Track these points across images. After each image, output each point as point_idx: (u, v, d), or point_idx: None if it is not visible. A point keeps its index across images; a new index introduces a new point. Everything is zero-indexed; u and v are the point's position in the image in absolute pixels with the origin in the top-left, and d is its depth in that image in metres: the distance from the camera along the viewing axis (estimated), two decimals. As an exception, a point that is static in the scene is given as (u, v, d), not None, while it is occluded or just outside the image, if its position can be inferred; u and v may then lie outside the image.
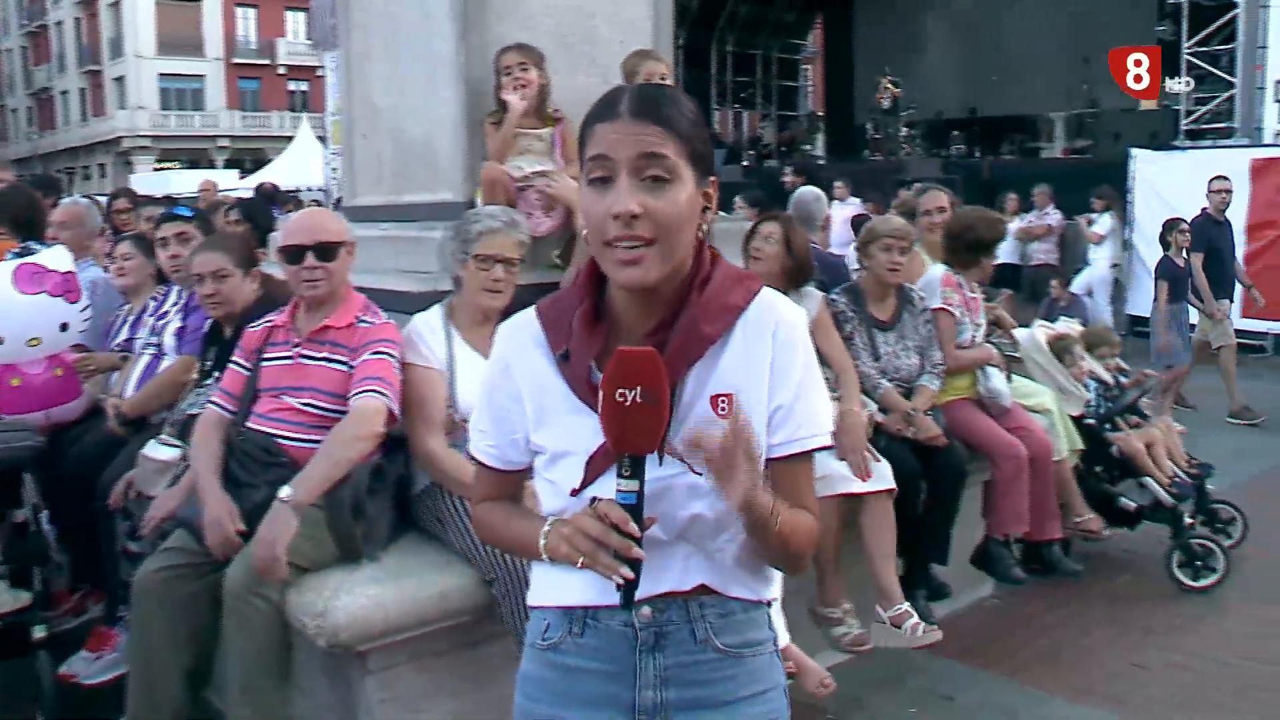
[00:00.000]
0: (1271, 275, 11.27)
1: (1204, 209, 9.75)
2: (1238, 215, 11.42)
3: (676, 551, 1.74)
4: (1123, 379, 6.06)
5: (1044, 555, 5.19)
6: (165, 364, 4.40)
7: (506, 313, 3.63)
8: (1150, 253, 12.63)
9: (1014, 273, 14.31)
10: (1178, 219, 9.51)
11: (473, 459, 1.94)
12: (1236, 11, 14.55)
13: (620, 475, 1.60)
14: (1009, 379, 5.16)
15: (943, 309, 4.90)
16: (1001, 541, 4.90)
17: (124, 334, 4.82)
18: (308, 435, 3.41)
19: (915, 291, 4.90)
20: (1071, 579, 5.26)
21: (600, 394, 1.58)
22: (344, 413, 3.39)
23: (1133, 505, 5.52)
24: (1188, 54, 15.19)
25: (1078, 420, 5.51)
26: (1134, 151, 13.44)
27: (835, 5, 26.76)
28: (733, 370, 1.72)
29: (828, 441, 1.79)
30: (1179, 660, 4.62)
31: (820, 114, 29.20)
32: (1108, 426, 5.66)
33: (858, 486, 4.13)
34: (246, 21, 50.58)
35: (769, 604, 1.85)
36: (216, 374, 3.81)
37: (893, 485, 4.18)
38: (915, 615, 4.19)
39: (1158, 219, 12.46)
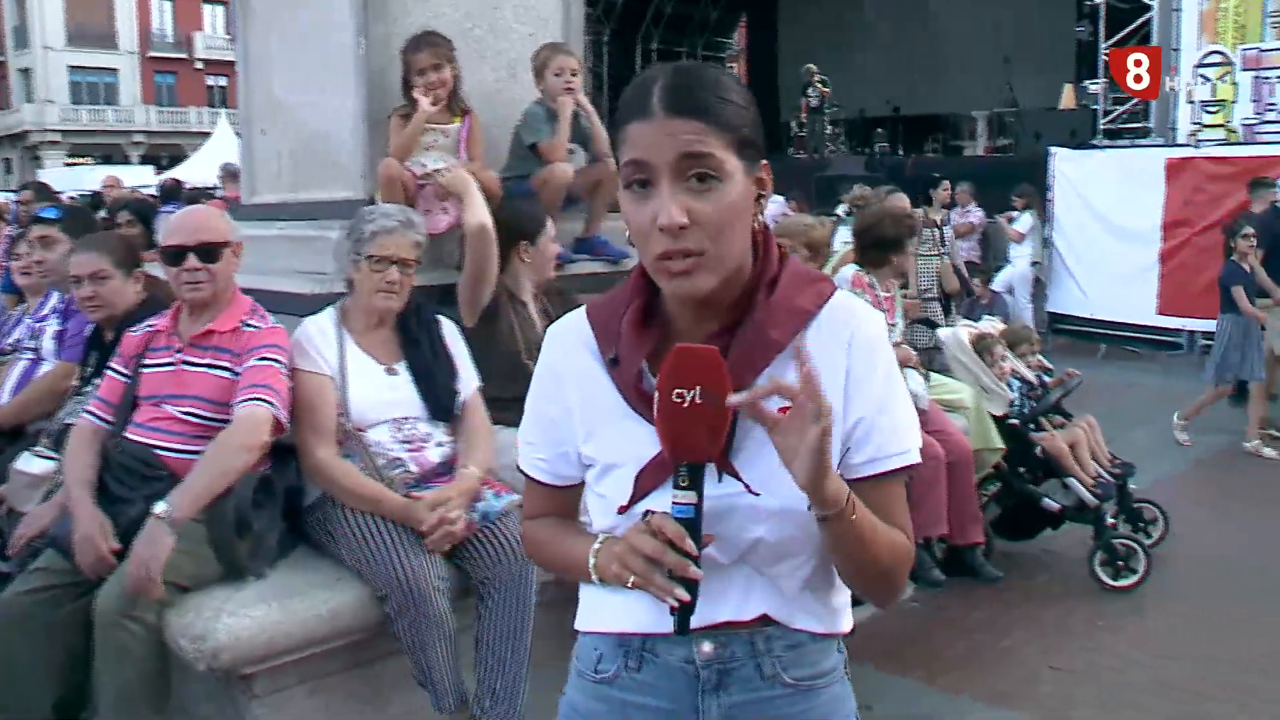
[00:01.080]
0: (1185, 274, 11.42)
1: (1273, 202, 9.44)
2: (1153, 215, 11.58)
3: (736, 577, 1.58)
4: (1046, 378, 6.04)
5: (965, 559, 5.14)
6: (43, 369, 4.16)
7: (403, 314, 3.51)
8: (1070, 251, 12.80)
9: (936, 270, 14.40)
10: (1239, 220, 8.79)
11: (521, 473, 1.78)
12: (1151, 14, 14.73)
13: (677, 486, 1.45)
14: (927, 377, 5.10)
15: None
16: (921, 544, 4.83)
17: (13, 336, 4.56)
18: (189, 446, 3.22)
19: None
20: (992, 583, 5.22)
21: (655, 396, 1.44)
22: (228, 422, 3.21)
23: (1056, 506, 5.49)
24: (1105, 54, 15.34)
25: (1001, 420, 5.47)
26: (1053, 150, 13.55)
27: (759, 4, 26.83)
28: None
29: (916, 459, 1.60)
30: (1098, 660, 4.59)
31: (745, 111, 29.19)
32: (1031, 426, 5.62)
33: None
34: (162, 14, 49.32)
35: (839, 636, 1.69)
36: (97, 381, 3.59)
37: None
38: None
39: (1077, 217, 12.65)
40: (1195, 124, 13.97)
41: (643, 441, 1.53)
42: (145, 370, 3.35)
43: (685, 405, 1.42)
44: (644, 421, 1.52)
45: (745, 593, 1.59)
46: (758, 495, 1.51)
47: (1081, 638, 4.83)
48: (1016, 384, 5.70)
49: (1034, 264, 13.14)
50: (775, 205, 14.77)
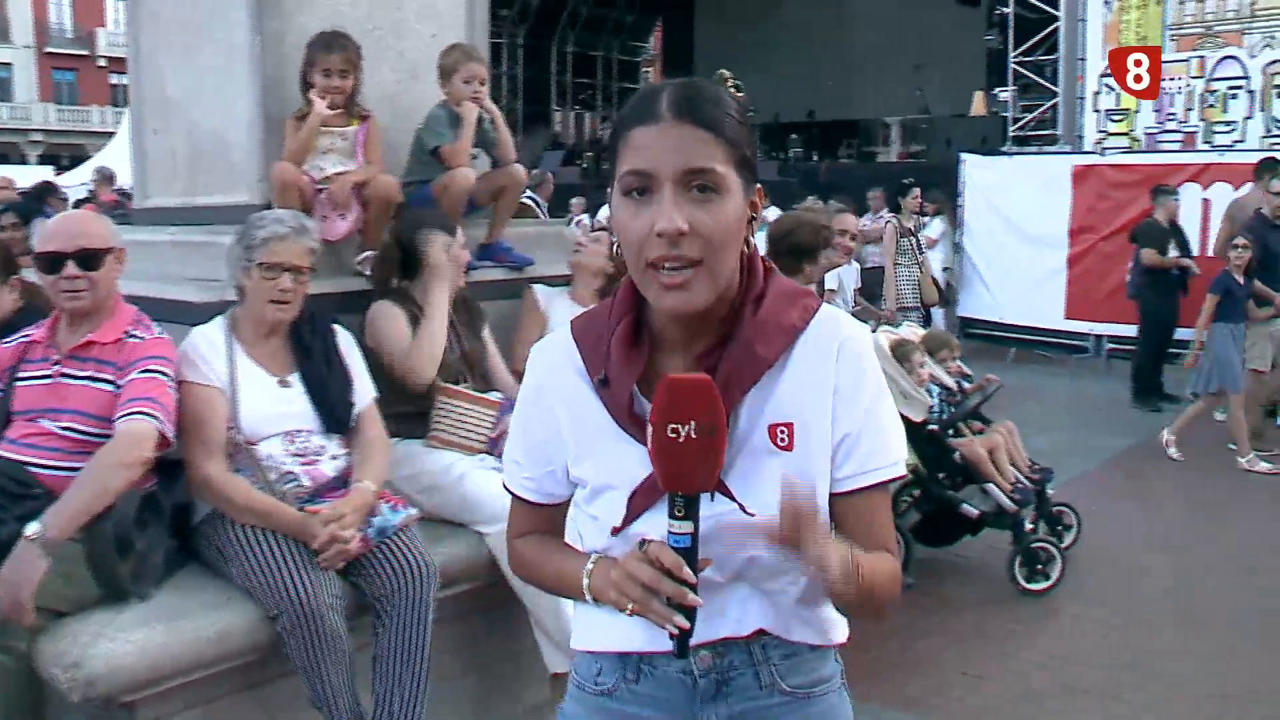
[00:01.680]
0: (1091, 279, 11.62)
1: (1258, 210, 9.22)
2: (1061, 220, 11.77)
3: (733, 594, 1.59)
4: (965, 383, 6.05)
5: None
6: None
7: (296, 324, 3.39)
8: (980, 256, 12.96)
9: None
10: (1243, 231, 8.55)
11: (508, 491, 1.76)
12: (1058, 24, 14.99)
13: (673, 515, 1.44)
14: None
15: None
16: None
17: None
18: (67, 463, 3.06)
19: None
20: (904, 589, 5.20)
21: (649, 427, 1.42)
22: (110, 437, 3.06)
23: (975, 511, 5.49)
24: (1014, 63, 15.59)
25: (920, 426, 5.47)
26: (964, 156, 13.72)
27: (675, 7, 26.86)
28: (792, 397, 1.55)
29: (902, 471, 1.61)
30: (1010, 665, 4.59)
31: (661, 116, 29.22)
32: (950, 432, 5.64)
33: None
34: (60, 8, 47.86)
35: (835, 647, 1.70)
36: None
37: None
38: None
39: (987, 223, 12.81)
40: (1101, 132, 14.26)
41: (635, 462, 1.52)
42: (20, 384, 3.18)
43: (680, 440, 1.40)
44: (635, 442, 1.52)
45: (742, 609, 1.60)
46: (752, 515, 1.50)
47: (994, 642, 4.83)
48: (936, 390, 5.70)
49: (945, 269, 13.28)
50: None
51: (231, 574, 3.12)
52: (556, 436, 1.65)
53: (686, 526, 1.44)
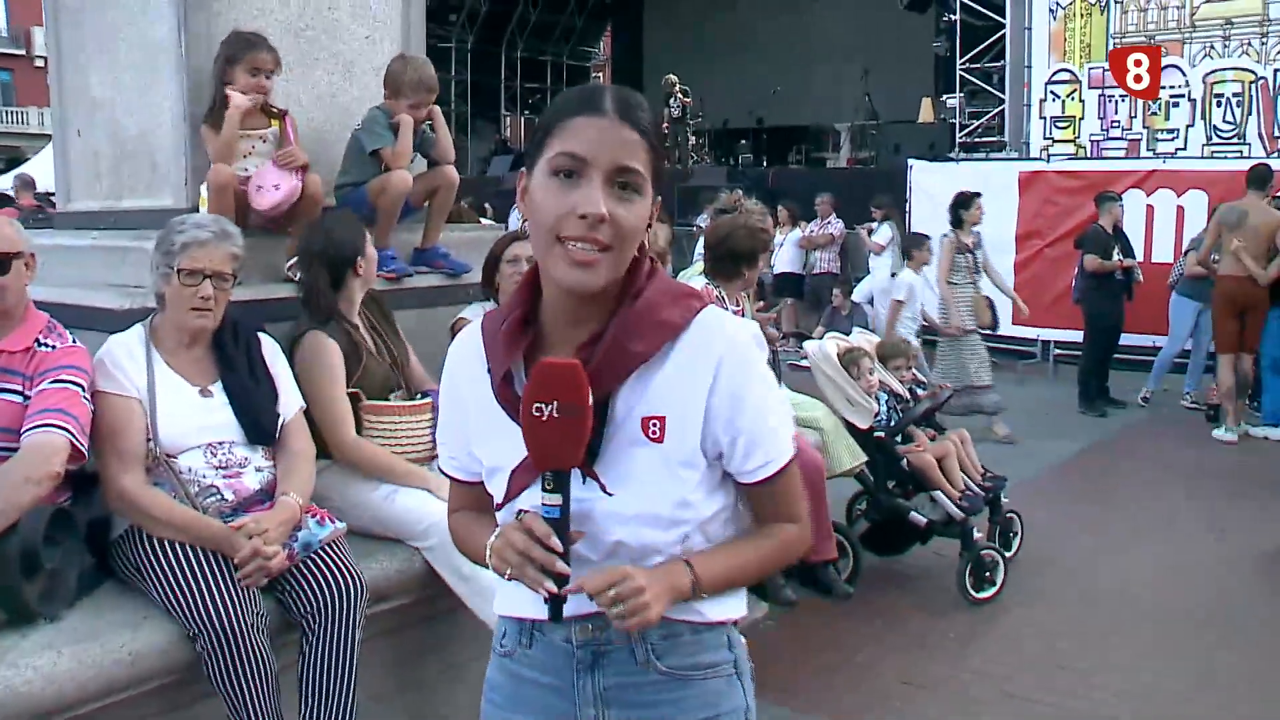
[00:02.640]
0: (1038, 284, 11.66)
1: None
2: (1008, 226, 11.81)
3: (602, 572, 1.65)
4: (920, 390, 6.01)
5: (818, 576, 5.06)
6: None
7: (219, 332, 3.26)
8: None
9: (798, 281, 14.49)
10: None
11: (441, 471, 1.92)
12: (1004, 32, 15.09)
13: (543, 489, 1.58)
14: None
15: None
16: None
17: None
18: (-27, 478, 2.91)
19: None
20: (843, 600, 5.16)
21: (520, 408, 1.56)
22: (17, 451, 2.91)
23: (923, 520, 5.44)
24: (961, 70, 15.67)
25: (866, 433, 5.41)
26: (912, 162, 13.76)
27: (625, 14, 26.82)
28: (666, 392, 1.64)
29: (794, 450, 1.74)
30: (949, 673, 4.56)
31: (610, 121, 29.19)
32: (900, 439, 5.58)
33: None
34: (-8, 7, 47.04)
35: (728, 624, 1.77)
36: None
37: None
38: None
39: (935, 227, 12.82)
40: (1047, 139, 14.36)
41: (515, 445, 1.61)
42: (-76, 395, 3.03)
43: (544, 418, 1.53)
44: (516, 425, 1.60)
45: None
46: (611, 496, 1.62)
47: (935, 650, 4.80)
48: (884, 397, 5.65)
49: (893, 275, 13.29)
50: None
51: (149, 592, 2.99)
52: (465, 420, 1.78)
53: (555, 499, 1.57)
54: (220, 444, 3.18)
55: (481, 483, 1.80)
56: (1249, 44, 13.56)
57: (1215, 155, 13.04)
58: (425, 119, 4.35)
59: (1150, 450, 8.31)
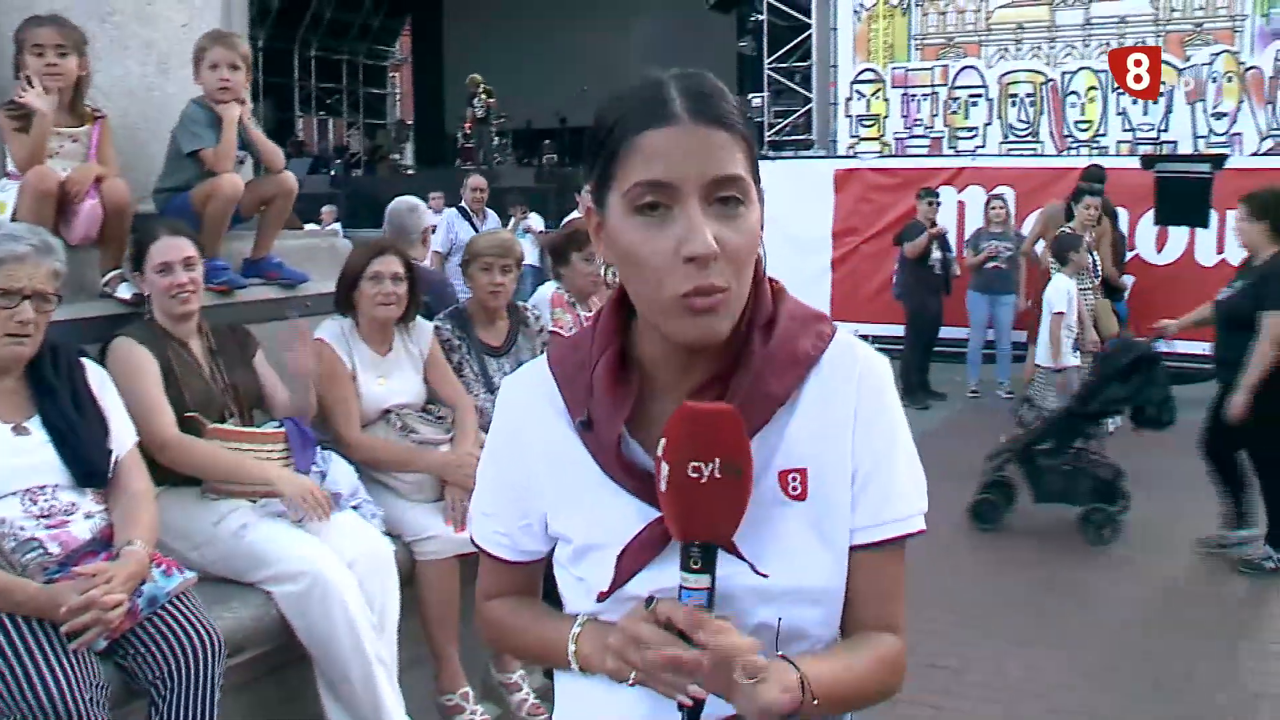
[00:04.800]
0: (855, 279, 11.83)
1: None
2: (824, 223, 11.94)
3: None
4: None
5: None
6: None
7: (35, 359, 2.83)
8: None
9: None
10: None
11: (477, 547, 1.51)
12: (810, 32, 15.34)
13: (687, 569, 1.22)
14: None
15: (554, 332, 4.48)
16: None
17: None
18: None
19: (531, 311, 4.45)
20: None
21: (663, 466, 1.20)
22: None
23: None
24: (768, 70, 15.86)
25: None
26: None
27: (424, 11, 26.31)
28: (805, 438, 1.33)
29: (920, 526, 1.36)
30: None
31: (409, 122, 28.65)
32: None
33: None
34: None
35: None
36: None
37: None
38: (526, 690, 3.82)
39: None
40: (853, 137, 14.66)
41: (624, 516, 1.32)
42: None
43: (704, 481, 1.19)
44: (624, 492, 1.32)
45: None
46: (764, 576, 1.27)
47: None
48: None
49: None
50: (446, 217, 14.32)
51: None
52: (533, 485, 1.42)
53: (704, 581, 1.22)
54: (41, 489, 2.75)
55: (531, 564, 1.49)
56: (1039, 48, 14.16)
57: (1012, 153, 13.54)
58: (230, 86, 3.91)
59: (975, 440, 8.47)
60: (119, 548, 2.75)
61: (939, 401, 10.12)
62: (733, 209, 1.24)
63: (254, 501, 3.24)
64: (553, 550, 1.46)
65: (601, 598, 1.34)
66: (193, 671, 2.73)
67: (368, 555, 3.27)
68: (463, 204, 10.34)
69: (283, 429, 3.37)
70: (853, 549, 1.35)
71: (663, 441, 1.22)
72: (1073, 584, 5.55)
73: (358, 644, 3.11)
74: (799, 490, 1.32)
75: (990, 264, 9.97)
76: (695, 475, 1.19)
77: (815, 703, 1.24)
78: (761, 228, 1.29)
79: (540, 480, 1.41)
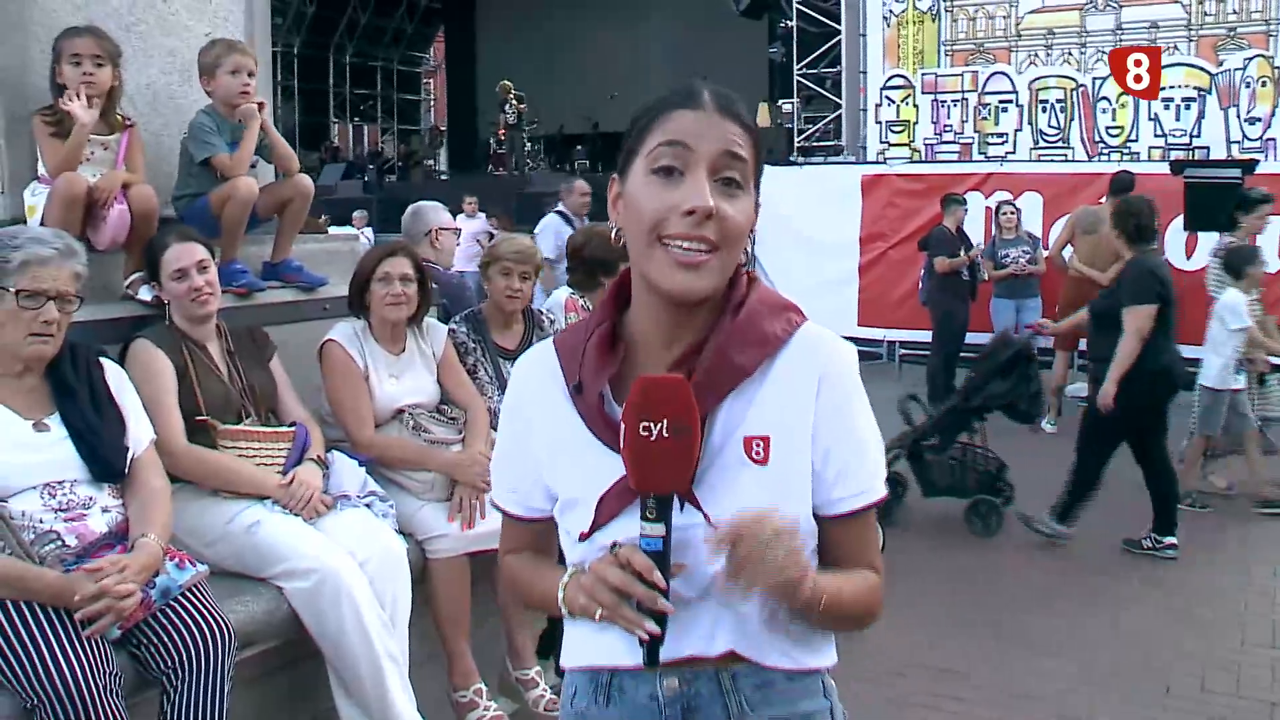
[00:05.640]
0: (882, 286, 11.82)
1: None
2: (851, 229, 11.95)
3: (702, 611, 1.53)
4: None
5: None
6: None
7: (55, 358, 2.91)
8: (774, 266, 12.99)
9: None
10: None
11: (496, 507, 1.77)
12: (840, 38, 15.33)
13: (644, 518, 1.44)
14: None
15: None
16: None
17: None
18: None
19: (545, 315, 4.51)
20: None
21: (622, 427, 1.43)
22: None
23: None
24: (798, 76, 15.87)
25: None
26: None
27: (458, 18, 26.46)
28: (770, 410, 1.52)
29: (885, 492, 1.60)
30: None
31: (442, 128, 28.83)
32: None
33: (494, 543, 3.67)
34: None
35: (822, 671, 1.63)
36: None
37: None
38: (543, 686, 3.84)
39: (777, 232, 12.90)
40: (883, 143, 14.64)
41: (606, 470, 1.51)
42: None
43: (653, 439, 1.41)
44: (607, 449, 1.51)
45: (711, 627, 1.55)
46: (715, 528, 1.46)
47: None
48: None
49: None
50: (478, 223, 14.41)
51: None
52: (535, 448, 1.64)
53: (658, 529, 1.43)
54: (59, 483, 2.83)
55: (541, 520, 1.69)
56: (1070, 53, 14.10)
57: (1042, 159, 13.49)
58: (251, 90, 3.99)
59: (995, 442, 8.47)
60: (134, 540, 2.83)
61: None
62: (733, 189, 1.47)
63: (264, 500, 3.31)
64: None
65: (582, 538, 1.55)
66: (204, 662, 2.80)
67: (379, 553, 3.33)
68: (561, 208, 9.86)
69: (294, 428, 3.45)
70: (834, 517, 1.56)
71: (624, 407, 1.43)
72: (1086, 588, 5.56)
73: (368, 641, 3.17)
74: (761, 456, 1.50)
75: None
76: (645, 434, 1.40)
77: (821, 606, 1.45)
78: (755, 219, 1.53)
79: (539, 442, 1.62)
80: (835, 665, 1.64)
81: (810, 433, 1.52)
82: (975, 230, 10.64)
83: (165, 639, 2.79)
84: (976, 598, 5.45)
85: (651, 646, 1.45)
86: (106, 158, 3.74)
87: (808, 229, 11.86)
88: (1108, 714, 4.18)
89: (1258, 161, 10.87)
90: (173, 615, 2.82)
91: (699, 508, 1.48)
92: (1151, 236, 6.13)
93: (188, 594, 2.87)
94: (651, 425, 1.41)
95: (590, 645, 1.60)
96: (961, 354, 10.40)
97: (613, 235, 1.56)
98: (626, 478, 1.47)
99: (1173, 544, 5.99)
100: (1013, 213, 10.14)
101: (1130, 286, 5.92)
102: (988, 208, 11.02)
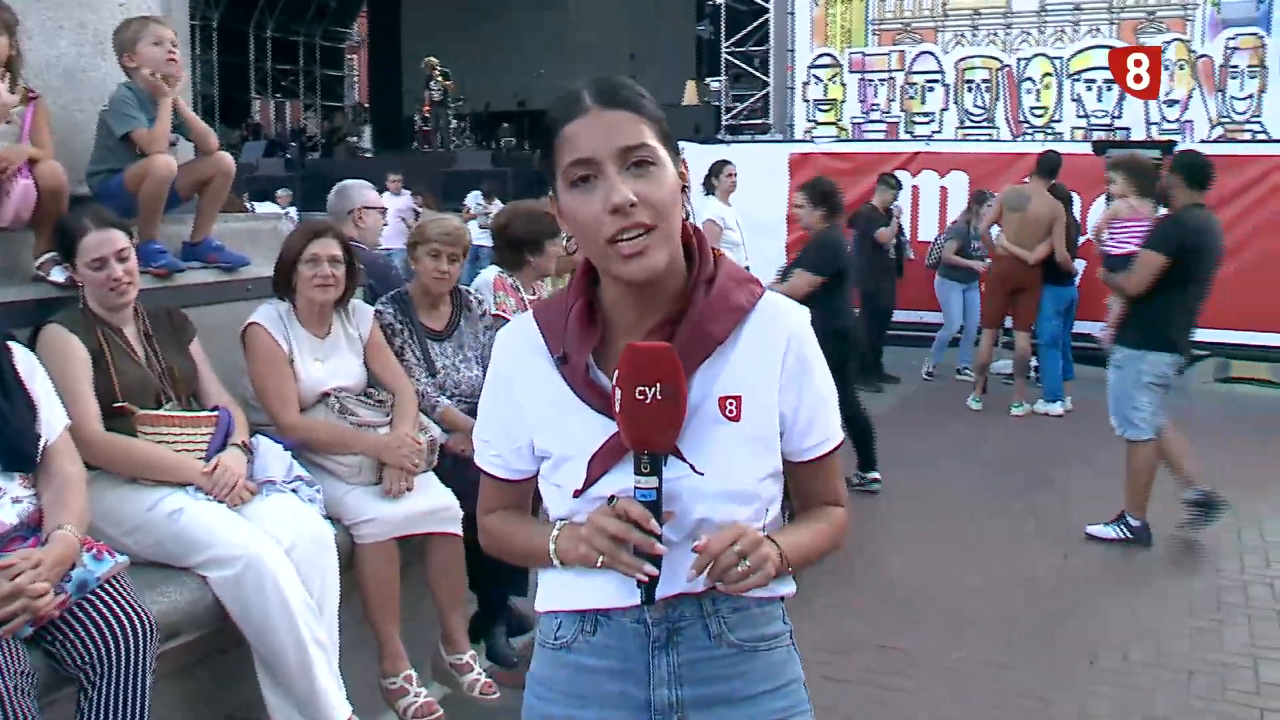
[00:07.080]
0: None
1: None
2: (778, 207, 11.97)
3: (687, 553, 1.65)
4: None
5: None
6: None
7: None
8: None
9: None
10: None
11: (478, 469, 1.88)
12: (768, 16, 15.34)
13: (639, 472, 1.60)
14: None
15: (497, 315, 4.47)
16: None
17: None
18: None
19: (473, 295, 4.43)
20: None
21: (617, 391, 1.59)
22: None
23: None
24: (726, 54, 15.85)
25: None
26: (681, 144, 13.78)
27: (381, -8, 26.08)
28: (741, 372, 1.70)
29: (843, 436, 1.83)
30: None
31: (366, 105, 28.44)
32: None
33: (423, 527, 3.62)
34: None
35: (783, 599, 1.82)
36: None
37: (459, 530, 3.67)
38: (477, 670, 3.78)
39: (700, 209, 12.91)
40: (810, 121, 14.69)
41: (593, 430, 1.67)
42: None
43: (648, 401, 1.56)
44: (595, 412, 1.67)
45: None
46: (702, 475, 1.66)
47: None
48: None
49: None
50: (403, 200, 14.24)
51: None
52: (519, 415, 1.77)
53: (652, 481, 1.60)
54: (-36, 475, 2.72)
55: (522, 481, 1.84)
56: (995, 34, 14.24)
57: (968, 138, 13.62)
58: (176, 60, 3.88)
59: (928, 421, 8.56)
60: (48, 532, 2.72)
61: (892, 384, 10.19)
62: (646, 170, 1.59)
63: (185, 486, 3.21)
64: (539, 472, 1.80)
65: (576, 494, 1.70)
66: (124, 657, 2.70)
67: (306, 538, 3.24)
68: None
69: (216, 413, 3.35)
70: (805, 462, 1.78)
71: (617, 373, 1.58)
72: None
73: (294, 627, 3.09)
74: (734, 413, 1.68)
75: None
76: (641, 397, 1.56)
77: (790, 569, 1.71)
78: (685, 189, 1.65)
79: (526, 409, 1.76)
80: (791, 594, 1.81)
81: (777, 389, 1.71)
82: (903, 209, 10.71)
83: (82, 634, 2.68)
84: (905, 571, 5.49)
85: (649, 587, 1.62)
86: (9, 132, 3.57)
87: (737, 206, 11.87)
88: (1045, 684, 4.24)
89: (1176, 143, 11.07)
90: (90, 609, 2.71)
91: (684, 460, 1.65)
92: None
93: (106, 586, 2.77)
94: (646, 389, 1.56)
95: (579, 589, 1.75)
96: (889, 331, 10.51)
97: (565, 244, 1.63)
98: (615, 437, 1.63)
99: (875, 478, 6.75)
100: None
101: (809, 256, 6.52)
102: (915, 186, 11.11)
